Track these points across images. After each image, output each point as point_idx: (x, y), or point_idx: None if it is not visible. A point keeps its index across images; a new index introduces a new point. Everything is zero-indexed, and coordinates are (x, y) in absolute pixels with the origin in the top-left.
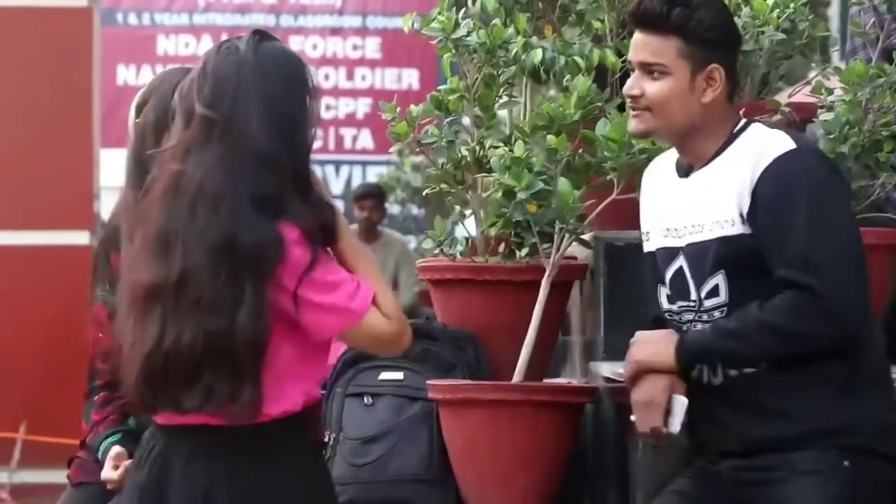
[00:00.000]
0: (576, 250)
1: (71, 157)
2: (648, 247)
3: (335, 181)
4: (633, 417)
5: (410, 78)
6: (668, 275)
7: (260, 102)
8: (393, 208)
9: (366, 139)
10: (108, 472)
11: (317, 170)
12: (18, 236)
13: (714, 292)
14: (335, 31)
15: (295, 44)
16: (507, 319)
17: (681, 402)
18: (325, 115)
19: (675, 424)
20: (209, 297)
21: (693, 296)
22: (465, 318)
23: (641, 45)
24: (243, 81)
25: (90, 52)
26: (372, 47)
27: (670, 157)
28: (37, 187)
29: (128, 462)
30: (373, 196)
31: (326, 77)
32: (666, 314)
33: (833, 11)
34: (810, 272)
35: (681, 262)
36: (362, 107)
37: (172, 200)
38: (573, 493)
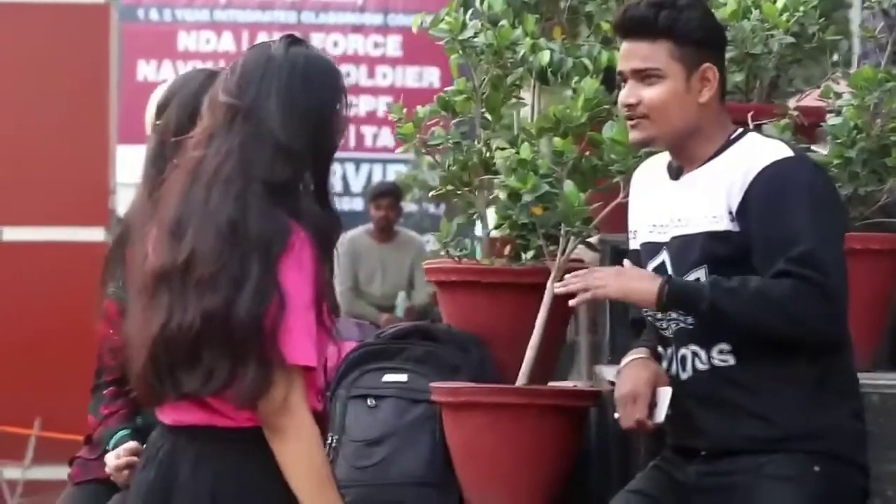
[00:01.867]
0: (584, 253)
1: (86, 153)
2: (634, 244)
3: (355, 179)
4: (616, 415)
5: (431, 76)
6: (650, 269)
7: (283, 95)
8: (410, 207)
9: (386, 137)
10: (112, 459)
11: (337, 168)
12: (33, 232)
13: None
14: (356, 29)
15: (316, 41)
16: (512, 322)
17: (665, 392)
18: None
19: (660, 415)
20: (211, 276)
21: None
22: (471, 321)
23: (631, 52)
24: (269, 74)
25: (107, 48)
26: (393, 45)
27: (661, 159)
28: (52, 183)
29: (133, 459)
30: (389, 195)
31: (348, 74)
32: (644, 311)
33: (855, 13)
34: (818, 269)
35: (663, 256)
36: (383, 105)
37: (191, 185)
38: (576, 497)
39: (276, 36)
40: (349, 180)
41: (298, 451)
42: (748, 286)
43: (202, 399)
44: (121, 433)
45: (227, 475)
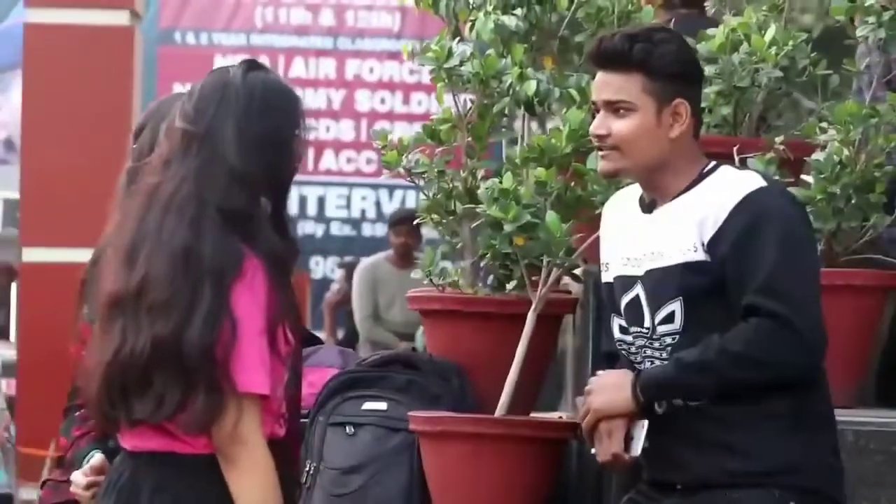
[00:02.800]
0: (571, 284)
1: (110, 175)
2: (606, 277)
3: (388, 204)
4: (593, 450)
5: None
6: (624, 302)
7: (239, 121)
8: (432, 234)
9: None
10: (78, 477)
11: (370, 193)
12: (56, 254)
13: (669, 319)
14: (392, 55)
15: (352, 67)
16: (495, 352)
17: (642, 425)
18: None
19: (637, 448)
20: (163, 302)
21: (647, 322)
22: (453, 350)
23: (605, 84)
24: (226, 100)
25: (131, 70)
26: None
27: (633, 191)
28: (74, 205)
29: (99, 478)
30: (408, 221)
31: (382, 101)
32: (618, 344)
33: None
34: (783, 301)
35: (638, 290)
36: None
37: (146, 211)
38: None
39: (313, 62)
40: (382, 206)
41: (250, 484)
42: (712, 351)
43: (160, 425)
44: (91, 455)
45: (187, 501)
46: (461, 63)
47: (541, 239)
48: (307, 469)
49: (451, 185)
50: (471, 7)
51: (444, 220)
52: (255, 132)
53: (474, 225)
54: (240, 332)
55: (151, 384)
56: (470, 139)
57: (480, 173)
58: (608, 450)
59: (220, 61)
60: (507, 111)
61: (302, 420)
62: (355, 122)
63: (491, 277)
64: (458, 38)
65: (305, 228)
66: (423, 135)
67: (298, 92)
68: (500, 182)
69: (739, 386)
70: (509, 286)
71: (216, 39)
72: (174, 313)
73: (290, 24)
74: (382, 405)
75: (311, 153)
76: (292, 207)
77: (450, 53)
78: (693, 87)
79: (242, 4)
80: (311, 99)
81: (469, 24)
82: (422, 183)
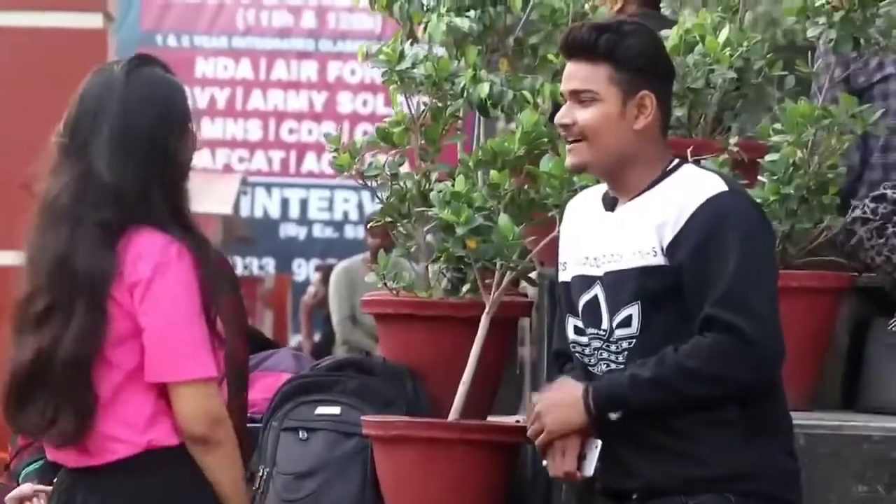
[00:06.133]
0: (526, 287)
1: None
2: (563, 276)
3: (371, 206)
4: (545, 462)
5: None
6: (582, 303)
7: (116, 131)
8: None
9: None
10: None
11: (352, 196)
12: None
13: (626, 322)
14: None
15: (333, 68)
16: (449, 356)
17: (595, 445)
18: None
19: (590, 468)
20: (42, 316)
21: (605, 324)
22: (407, 354)
23: (572, 74)
24: (104, 108)
25: None
26: None
27: (597, 191)
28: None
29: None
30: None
31: (364, 103)
32: (572, 345)
33: None
34: (741, 314)
35: (596, 290)
36: None
37: (37, 219)
38: None
39: (295, 65)
40: (364, 209)
41: (234, 462)
42: (667, 366)
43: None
44: (29, 467)
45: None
46: (413, 65)
47: (493, 242)
48: (260, 474)
49: (404, 188)
50: (425, 9)
51: (398, 224)
52: (134, 137)
53: (427, 228)
54: (173, 322)
55: (33, 397)
56: (423, 142)
57: (434, 176)
58: (561, 467)
59: (201, 64)
60: (460, 113)
61: (255, 424)
62: (337, 125)
63: (445, 281)
64: (409, 40)
65: (288, 231)
66: (376, 137)
67: (280, 94)
68: (453, 185)
69: (694, 401)
70: (463, 290)
71: (198, 42)
72: (52, 325)
73: (272, 26)
74: (336, 410)
75: (293, 155)
76: (275, 210)
77: (401, 56)
78: (661, 81)
79: (224, 7)
80: (293, 101)
81: (423, 26)
82: (375, 185)
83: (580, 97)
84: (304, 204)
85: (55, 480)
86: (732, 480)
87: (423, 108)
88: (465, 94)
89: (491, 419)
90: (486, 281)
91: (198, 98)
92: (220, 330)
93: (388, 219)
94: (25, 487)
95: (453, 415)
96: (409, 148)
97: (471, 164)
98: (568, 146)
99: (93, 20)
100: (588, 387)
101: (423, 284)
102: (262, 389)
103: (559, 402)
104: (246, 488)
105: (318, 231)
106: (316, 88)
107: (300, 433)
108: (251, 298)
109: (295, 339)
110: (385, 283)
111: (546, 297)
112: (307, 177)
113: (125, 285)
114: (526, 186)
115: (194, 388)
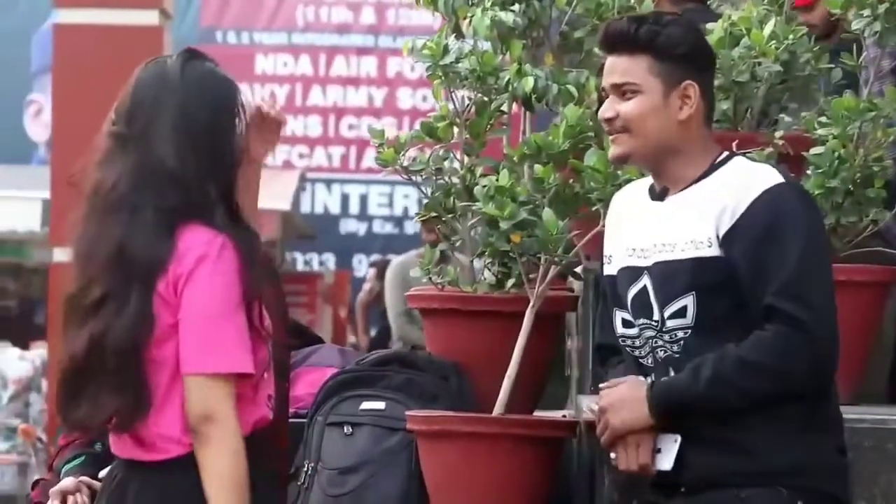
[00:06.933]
0: (572, 282)
1: None
2: (609, 270)
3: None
4: (612, 455)
5: None
6: (630, 295)
7: (175, 120)
8: None
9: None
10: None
11: (412, 191)
12: None
13: (680, 313)
14: None
15: (393, 65)
16: (494, 350)
17: (674, 439)
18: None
19: (668, 461)
20: (96, 306)
21: (656, 315)
22: (452, 348)
23: (612, 67)
24: (160, 99)
25: None
26: None
27: (642, 184)
28: None
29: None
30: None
31: (424, 98)
32: (620, 339)
33: None
34: (803, 305)
35: (645, 281)
36: None
37: (88, 210)
38: None
39: (354, 60)
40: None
41: (220, 461)
42: (729, 363)
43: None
44: (70, 464)
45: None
46: (457, 60)
47: (538, 236)
48: (305, 469)
49: (449, 183)
50: (469, 3)
51: (443, 218)
52: (193, 128)
53: (472, 223)
54: (202, 315)
55: (87, 386)
56: (468, 136)
57: (479, 170)
58: (635, 460)
59: (261, 61)
60: (504, 108)
61: (300, 420)
62: (397, 120)
63: (489, 275)
64: (455, 35)
65: (348, 226)
66: (421, 132)
67: (340, 91)
68: (497, 179)
69: (757, 396)
70: (508, 284)
71: (257, 38)
72: (104, 314)
73: (332, 22)
74: (380, 405)
75: (353, 151)
76: (334, 205)
77: (445, 50)
78: (703, 72)
79: (284, 3)
80: (352, 97)
81: (468, 21)
82: (419, 180)
83: (622, 90)
84: (363, 200)
85: (108, 470)
86: (785, 475)
87: (467, 102)
88: (509, 89)
89: (538, 414)
90: (531, 275)
91: (257, 95)
92: (267, 325)
93: (433, 214)
94: (68, 481)
95: (498, 409)
96: (454, 142)
97: (515, 158)
98: (611, 138)
99: (149, 17)
100: (651, 385)
101: (468, 279)
102: (307, 385)
103: (626, 399)
104: (286, 485)
105: (377, 227)
106: (375, 84)
107: (345, 428)
108: (311, 294)
109: (352, 336)
110: (430, 278)
111: (592, 291)
112: (367, 172)
113: (170, 278)
114: (570, 181)
115: (196, 381)
